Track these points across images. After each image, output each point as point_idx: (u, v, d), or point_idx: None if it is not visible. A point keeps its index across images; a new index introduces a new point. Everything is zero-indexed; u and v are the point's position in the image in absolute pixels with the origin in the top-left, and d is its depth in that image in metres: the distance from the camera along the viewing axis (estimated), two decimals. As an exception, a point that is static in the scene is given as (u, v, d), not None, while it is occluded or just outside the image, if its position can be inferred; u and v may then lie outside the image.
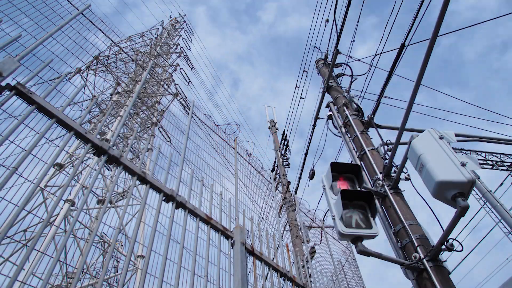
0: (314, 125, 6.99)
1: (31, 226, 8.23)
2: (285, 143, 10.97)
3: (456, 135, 3.24)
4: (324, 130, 6.15)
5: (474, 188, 6.30)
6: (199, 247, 2.72)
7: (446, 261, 3.22)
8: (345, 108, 5.55)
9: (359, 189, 3.83)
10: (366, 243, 3.35)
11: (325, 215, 7.68)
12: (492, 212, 8.51)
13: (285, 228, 8.84)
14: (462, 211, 2.68)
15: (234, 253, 3.03)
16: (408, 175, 3.91)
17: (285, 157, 10.91)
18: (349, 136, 5.23)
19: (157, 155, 2.99)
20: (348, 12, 5.44)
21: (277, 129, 12.40)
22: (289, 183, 9.94)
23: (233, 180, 4.33)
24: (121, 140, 12.23)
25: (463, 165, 2.72)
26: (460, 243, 2.91)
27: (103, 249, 10.02)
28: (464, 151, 10.88)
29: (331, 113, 5.90)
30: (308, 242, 8.36)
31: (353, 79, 6.09)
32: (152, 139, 12.81)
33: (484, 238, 9.99)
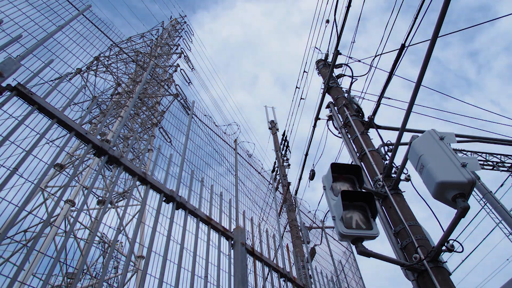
0: (314, 126, 6.99)
1: (31, 227, 8.24)
2: (285, 143, 10.96)
3: (457, 135, 3.23)
4: (324, 133, 6.15)
5: (475, 189, 6.30)
6: (199, 248, 2.72)
7: (446, 262, 3.22)
8: (345, 108, 5.55)
9: (359, 189, 3.82)
10: (367, 243, 3.35)
11: (325, 215, 7.69)
12: (493, 213, 8.50)
13: (285, 228, 8.83)
14: (462, 212, 2.67)
15: (234, 254, 3.03)
16: (409, 175, 3.90)
17: (285, 158, 10.90)
18: (349, 136, 5.22)
19: (157, 156, 2.99)
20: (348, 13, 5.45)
21: (277, 129, 12.38)
22: (289, 183, 9.93)
23: (233, 180, 4.33)
24: (122, 140, 12.23)
25: (464, 166, 2.72)
26: (461, 244, 2.91)
27: (103, 249, 10.02)
28: (465, 152, 10.87)
29: (331, 113, 5.89)
30: (308, 242, 8.35)
31: (354, 79, 6.08)
32: (152, 140, 12.80)
33: (484, 239, 9.96)
